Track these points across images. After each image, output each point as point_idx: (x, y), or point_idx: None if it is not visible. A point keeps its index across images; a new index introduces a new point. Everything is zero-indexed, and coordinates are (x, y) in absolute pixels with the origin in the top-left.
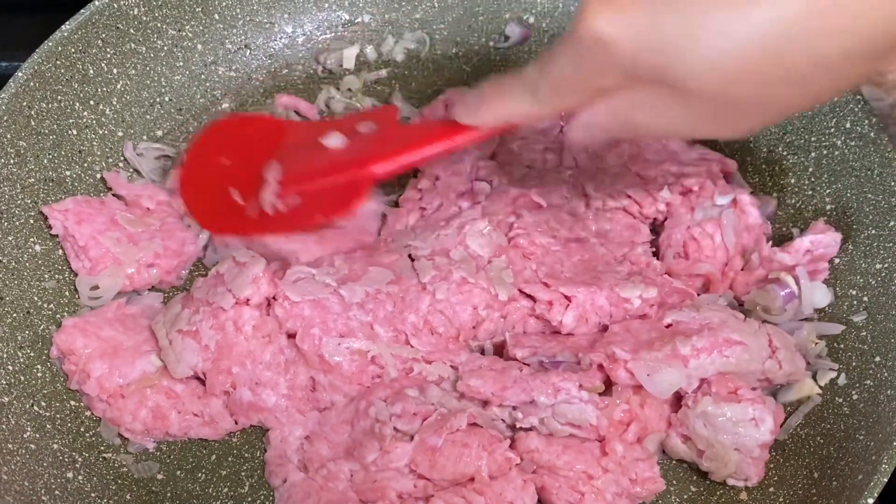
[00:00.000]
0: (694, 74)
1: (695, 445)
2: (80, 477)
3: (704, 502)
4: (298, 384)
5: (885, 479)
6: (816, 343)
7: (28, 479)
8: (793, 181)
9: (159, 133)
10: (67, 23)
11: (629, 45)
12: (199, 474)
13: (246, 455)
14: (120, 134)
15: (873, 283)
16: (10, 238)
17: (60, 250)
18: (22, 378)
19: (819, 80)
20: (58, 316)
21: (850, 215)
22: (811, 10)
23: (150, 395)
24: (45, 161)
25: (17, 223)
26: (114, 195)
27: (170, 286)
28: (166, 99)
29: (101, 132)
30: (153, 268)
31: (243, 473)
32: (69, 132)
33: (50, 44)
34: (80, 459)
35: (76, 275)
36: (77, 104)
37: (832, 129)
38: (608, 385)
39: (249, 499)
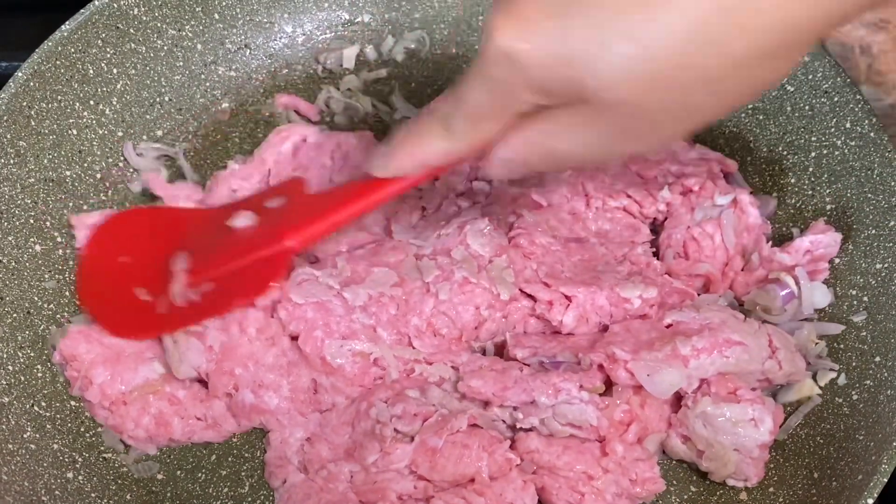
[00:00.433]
0: (607, 84)
1: (694, 446)
2: (80, 477)
3: (704, 502)
4: (300, 386)
5: (885, 480)
6: (816, 343)
7: (28, 479)
8: (793, 181)
9: (159, 133)
10: (67, 23)
11: (538, 57)
12: (199, 474)
13: (246, 455)
14: (120, 134)
15: (873, 283)
16: (10, 238)
17: (61, 250)
18: (22, 378)
19: (733, 82)
20: (58, 316)
21: (850, 215)
22: (719, 9)
23: (152, 401)
24: (45, 161)
25: (17, 223)
26: (152, 196)
27: None
28: (166, 99)
29: (100, 132)
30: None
31: (243, 473)
32: (69, 132)
33: (50, 44)
34: (80, 459)
35: None
36: (77, 104)
37: (832, 129)
38: (608, 385)
39: (249, 499)
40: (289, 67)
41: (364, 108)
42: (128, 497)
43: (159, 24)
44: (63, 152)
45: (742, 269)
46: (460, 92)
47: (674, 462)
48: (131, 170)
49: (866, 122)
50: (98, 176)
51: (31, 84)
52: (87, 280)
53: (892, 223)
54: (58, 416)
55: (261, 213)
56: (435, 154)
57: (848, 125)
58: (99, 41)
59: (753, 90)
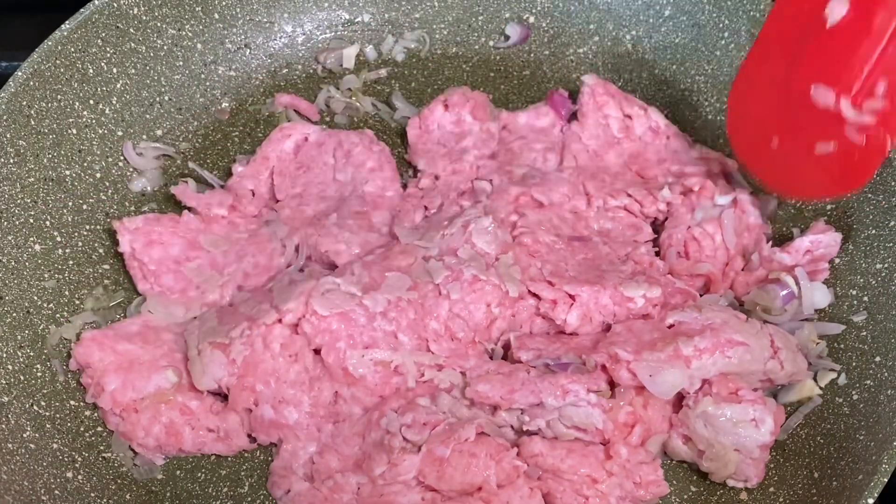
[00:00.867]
0: None
1: (695, 446)
2: (79, 476)
3: (704, 502)
4: (322, 401)
5: (885, 479)
6: (817, 343)
7: (28, 478)
8: None
9: (159, 132)
10: (67, 22)
11: None
12: (199, 474)
13: (246, 455)
14: (119, 133)
15: (873, 282)
16: (9, 237)
17: (60, 250)
18: (22, 378)
19: None
20: (57, 315)
21: (851, 215)
22: None
23: (164, 410)
24: (45, 160)
25: (17, 222)
26: (185, 208)
27: None
28: (166, 98)
29: (100, 131)
30: (241, 290)
31: (243, 473)
32: (69, 131)
33: (50, 43)
34: (79, 459)
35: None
36: (77, 103)
37: None
38: (611, 387)
39: (249, 499)
40: (289, 67)
41: (364, 108)
42: (127, 497)
43: (159, 24)
44: (63, 152)
45: (742, 269)
46: None
47: (674, 462)
48: (131, 169)
49: None
50: (98, 175)
51: (31, 83)
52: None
53: (892, 223)
54: (57, 415)
55: None
56: None
57: None
58: (99, 41)
59: None
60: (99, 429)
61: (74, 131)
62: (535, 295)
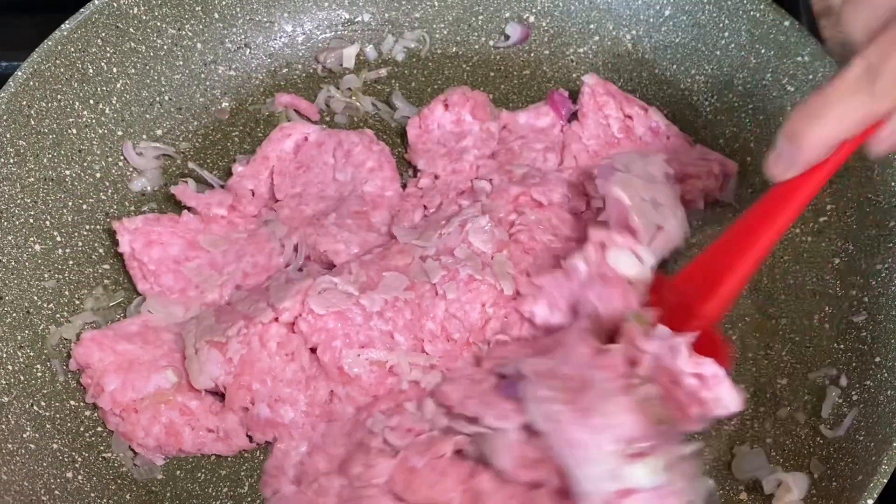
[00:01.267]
0: None
1: None
2: (79, 477)
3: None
4: (318, 400)
5: (885, 480)
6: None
7: (28, 478)
8: None
9: (159, 132)
10: (67, 22)
11: None
12: (199, 474)
13: (245, 455)
14: (119, 133)
15: (873, 283)
16: (9, 237)
17: (60, 250)
18: (21, 378)
19: None
20: (57, 315)
21: (850, 215)
22: None
23: (163, 410)
24: (45, 160)
25: (17, 222)
26: (185, 208)
27: None
28: (166, 98)
29: (100, 131)
30: (239, 290)
31: (243, 473)
32: (69, 131)
33: (49, 43)
34: (79, 459)
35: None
36: (77, 103)
37: None
38: None
39: (249, 499)
40: (289, 67)
41: (364, 108)
42: (127, 497)
43: (159, 24)
44: (63, 151)
45: None
46: (890, 49)
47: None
48: (131, 169)
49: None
50: (98, 175)
51: (31, 83)
52: None
53: (892, 223)
54: (57, 415)
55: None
56: (853, 120)
57: None
58: (99, 40)
59: None
60: (99, 429)
61: (74, 131)
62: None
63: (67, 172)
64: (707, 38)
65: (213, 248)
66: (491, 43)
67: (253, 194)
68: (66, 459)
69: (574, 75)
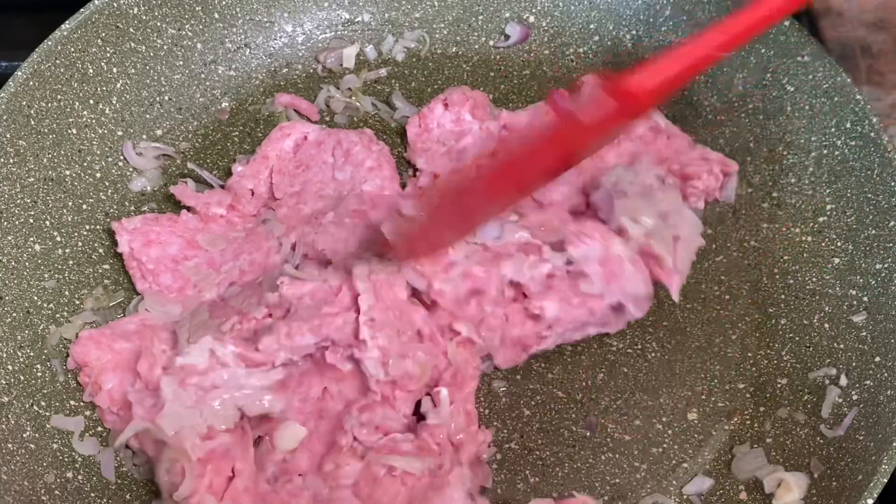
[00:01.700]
0: None
1: None
2: (79, 476)
3: (704, 502)
4: (311, 396)
5: (885, 480)
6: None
7: (28, 478)
8: (793, 181)
9: (159, 132)
10: (67, 22)
11: None
12: None
13: None
14: (119, 133)
15: (873, 283)
16: (9, 237)
17: (60, 250)
18: (22, 378)
19: None
20: (57, 315)
21: (850, 215)
22: None
23: None
24: (45, 160)
25: (17, 222)
26: (184, 207)
27: None
28: (166, 98)
29: (100, 131)
30: (234, 286)
31: None
32: (69, 131)
33: (49, 43)
34: (79, 459)
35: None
36: (77, 103)
37: (832, 129)
38: None
39: None
40: (289, 67)
41: (364, 108)
42: (127, 496)
43: (159, 24)
44: (63, 151)
45: None
46: None
47: (674, 462)
48: (131, 169)
49: (866, 122)
50: (98, 175)
51: (31, 83)
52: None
53: (892, 223)
54: (57, 415)
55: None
56: None
57: (848, 125)
58: (99, 40)
59: None
60: (99, 429)
61: (74, 131)
62: (525, 295)
63: (67, 172)
64: None
65: (211, 247)
66: (491, 43)
67: (252, 194)
68: (66, 459)
69: (574, 75)
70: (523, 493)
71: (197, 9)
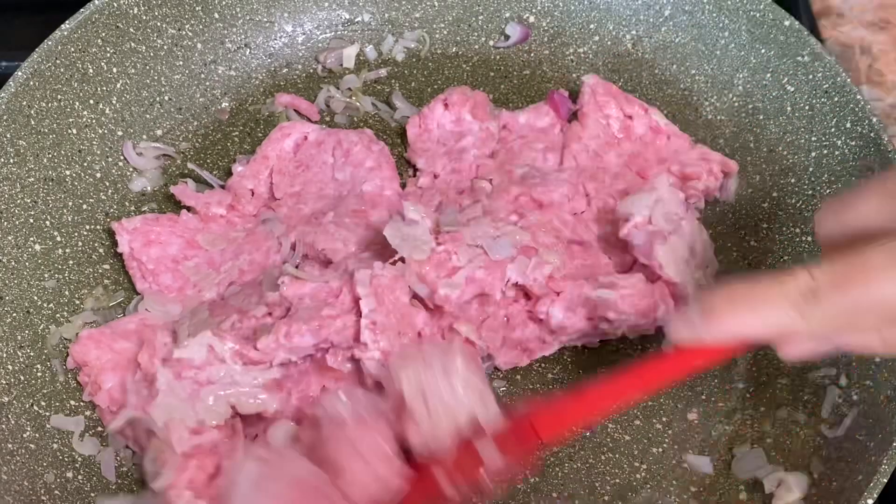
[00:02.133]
0: None
1: None
2: (79, 477)
3: (704, 502)
4: (307, 395)
5: (885, 480)
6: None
7: (28, 478)
8: (793, 181)
9: (159, 132)
10: (67, 22)
11: None
12: None
13: None
14: (119, 133)
15: None
16: (9, 237)
17: (60, 250)
18: (21, 378)
19: None
20: (57, 315)
21: None
22: None
23: None
24: (45, 160)
25: (17, 222)
26: (184, 207)
27: None
28: (166, 98)
29: (100, 131)
30: (234, 285)
31: None
32: (69, 131)
33: (49, 43)
34: (79, 459)
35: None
36: (77, 103)
37: (832, 129)
38: None
39: None
40: (289, 67)
41: (364, 108)
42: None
43: (159, 24)
44: (63, 151)
45: None
46: (857, 279)
47: (673, 461)
48: (131, 169)
49: (866, 122)
50: (98, 175)
51: (31, 83)
52: None
53: None
54: (57, 415)
55: None
56: (773, 330)
57: (848, 125)
58: (99, 40)
59: None
60: (99, 429)
61: (74, 131)
62: (527, 296)
63: (67, 172)
64: (707, 38)
65: (210, 247)
66: (491, 43)
67: (252, 194)
68: (66, 459)
69: (574, 75)
70: (523, 493)
71: (197, 9)
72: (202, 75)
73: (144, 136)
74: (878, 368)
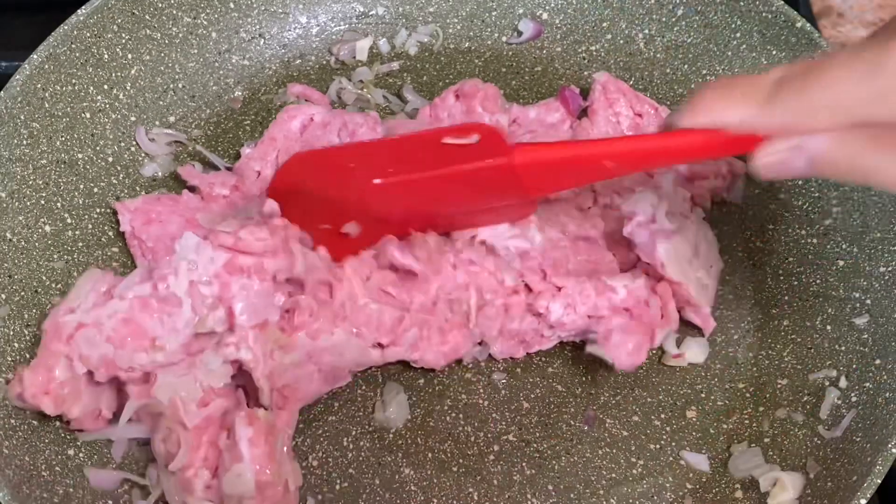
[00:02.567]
0: None
1: None
2: (80, 454)
3: (700, 500)
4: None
5: (879, 481)
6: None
7: (29, 454)
8: (799, 183)
9: (172, 119)
10: (84, 7)
11: None
12: None
13: None
14: (133, 119)
15: (877, 286)
16: (20, 218)
17: (70, 231)
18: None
19: None
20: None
21: (856, 218)
22: None
23: None
24: (58, 143)
25: (28, 203)
26: (188, 187)
27: None
28: (179, 85)
29: (114, 116)
30: None
31: None
32: (82, 115)
33: (66, 27)
34: (81, 437)
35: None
36: (91, 88)
37: None
38: None
39: None
40: (302, 58)
41: (375, 100)
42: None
43: (175, 12)
44: (76, 135)
45: None
46: (824, 68)
47: (671, 458)
48: (143, 154)
49: None
50: (110, 160)
51: (47, 67)
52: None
53: None
54: None
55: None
56: (732, 120)
57: None
58: (114, 26)
59: None
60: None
61: (88, 115)
62: (528, 288)
63: (80, 156)
64: (719, 39)
65: (209, 226)
66: (503, 39)
67: (259, 175)
68: (67, 437)
69: (585, 73)
70: (519, 485)
71: None
72: (216, 64)
73: (157, 123)
74: (878, 371)
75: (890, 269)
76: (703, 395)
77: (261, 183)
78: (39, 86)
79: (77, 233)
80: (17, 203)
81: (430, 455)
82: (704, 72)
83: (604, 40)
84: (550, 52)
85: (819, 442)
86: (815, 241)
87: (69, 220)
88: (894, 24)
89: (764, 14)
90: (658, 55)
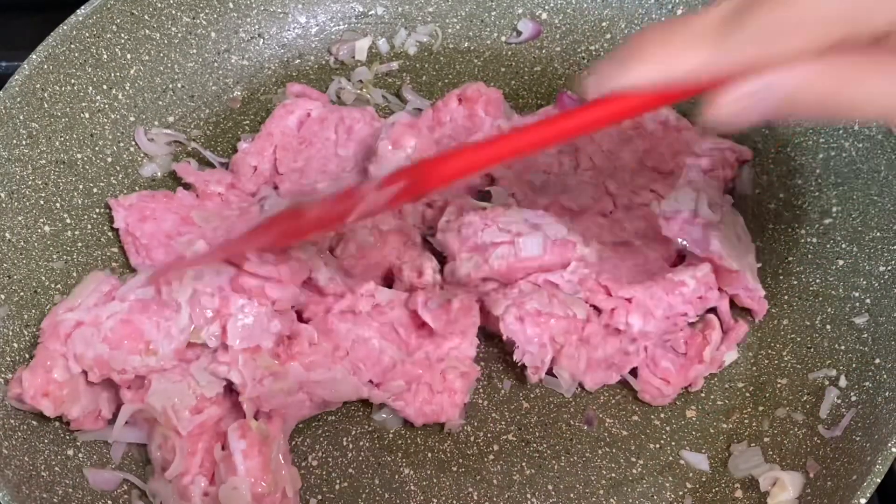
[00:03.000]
0: None
1: None
2: (79, 455)
3: (699, 500)
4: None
5: (878, 480)
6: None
7: (28, 454)
8: (800, 182)
9: (171, 119)
10: (83, 7)
11: None
12: None
13: None
14: (132, 119)
15: (876, 285)
16: (19, 218)
17: (70, 231)
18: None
19: None
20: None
21: (856, 217)
22: None
23: None
24: (57, 143)
25: (28, 203)
26: (183, 185)
27: None
28: (179, 85)
29: (113, 116)
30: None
31: None
32: (81, 115)
33: (65, 27)
34: (80, 438)
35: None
36: (90, 88)
37: (840, 131)
38: None
39: None
40: (301, 58)
41: (374, 100)
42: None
43: (174, 12)
44: (75, 135)
45: None
46: None
47: (670, 458)
48: (142, 154)
49: (875, 124)
50: (109, 160)
51: (46, 67)
52: None
53: None
54: None
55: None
56: (687, 66)
57: (856, 127)
58: (114, 26)
59: None
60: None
61: (87, 115)
62: (596, 309)
63: (79, 156)
64: None
65: (204, 224)
66: (503, 39)
67: (255, 171)
68: (66, 437)
69: (585, 72)
70: (519, 485)
71: None
72: (215, 64)
73: (156, 123)
74: (878, 370)
75: (889, 268)
76: (702, 395)
77: (257, 179)
78: (38, 86)
79: (76, 233)
80: (16, 203)
81: (429, 455)
82: None
83: (603, 40)
84: (550, 51)
85: (819, 441)
86: (814, 240)
87: (68, 221)
88: None
89: None
90: None
